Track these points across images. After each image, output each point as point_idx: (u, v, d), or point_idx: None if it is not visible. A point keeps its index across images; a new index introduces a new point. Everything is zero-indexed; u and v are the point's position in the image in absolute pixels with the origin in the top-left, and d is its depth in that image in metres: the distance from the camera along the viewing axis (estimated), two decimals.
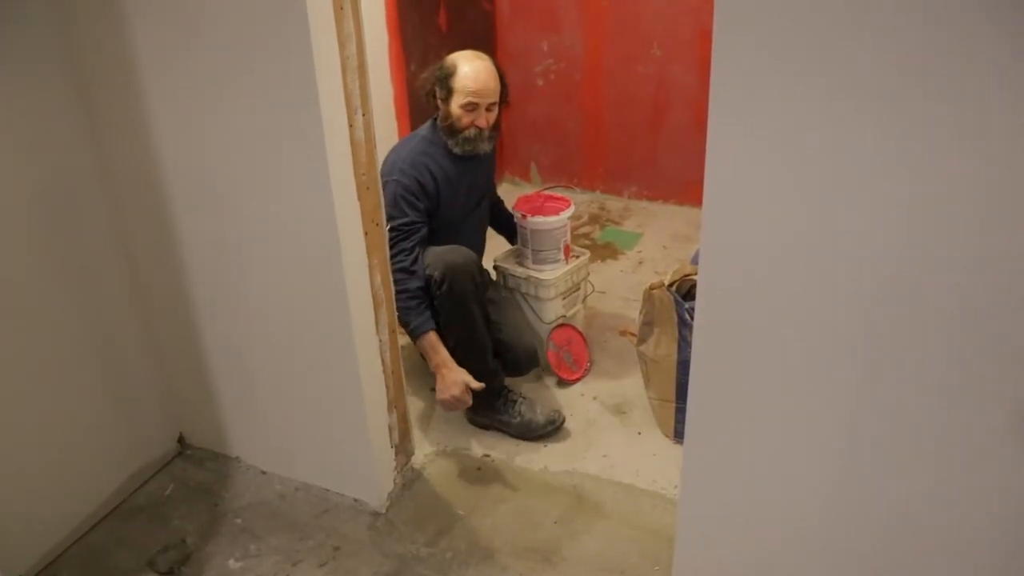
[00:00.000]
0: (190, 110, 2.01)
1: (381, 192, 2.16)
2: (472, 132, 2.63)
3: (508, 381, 2.75)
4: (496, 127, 2.73)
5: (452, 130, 2.63)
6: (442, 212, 2.70)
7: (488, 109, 2.63)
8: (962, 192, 1.33)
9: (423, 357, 2.70)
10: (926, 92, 1.29)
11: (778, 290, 1.55)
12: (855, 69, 1.32)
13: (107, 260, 2.26)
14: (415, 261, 2.55)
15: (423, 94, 2.71)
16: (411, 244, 2.56)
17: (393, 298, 2.29)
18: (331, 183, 1.91)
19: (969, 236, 1.35)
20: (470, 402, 2.56)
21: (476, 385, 2.54)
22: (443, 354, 2.57)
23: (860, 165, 1.38)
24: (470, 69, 2.58)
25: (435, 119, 2.72)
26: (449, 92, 2.61)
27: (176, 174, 2.12)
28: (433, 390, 2.88)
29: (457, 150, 2.66)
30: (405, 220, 2.56)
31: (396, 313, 2.62)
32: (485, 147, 2.69)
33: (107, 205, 2.22)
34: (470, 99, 2.57)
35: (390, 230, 2.54)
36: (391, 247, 2.53)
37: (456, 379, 2.52)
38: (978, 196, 1.32)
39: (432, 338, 2.56)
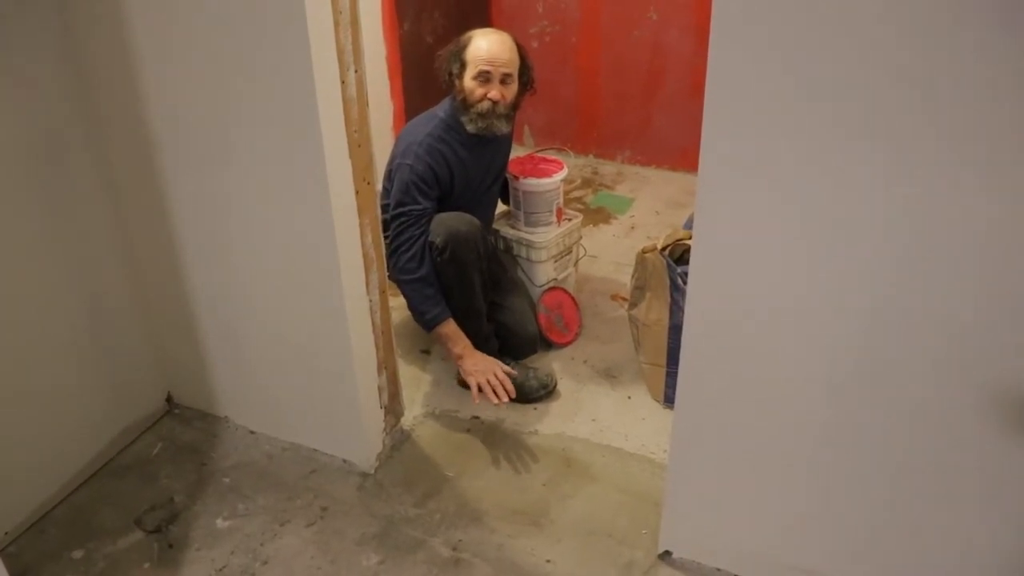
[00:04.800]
0: (179, 64, 1.97)
1: (382, 167, 2.12)
2: (485, 106, 2.53)
3: None
4: (514, 107, 2.63)
5: (466, 105, 2.55)
6: (454, 196, 2.65)
7: (503, 82, 2.54)
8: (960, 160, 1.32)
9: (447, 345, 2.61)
10: (923, 62, 1.27)
11: (772, 256, 1.54)
12: (857, 37, 1.30)
13: (95, 217, 2.23)
14: (423, 248, 2.50)
15: (442, 75, 2.62)
16: (419, 231, 2.50)
17: (384, 260, 2.27)
18: (323, 140, 1.88)
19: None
20: (508, 380, 2.50)
21: (508, 370, 2.51)
22: (464, 341, 2.54)
23: (858, 130, 1.37)
24: (483, 40, 2.53)
25: (454, 98, 2.62)
26: (462, 65, 2.54)
27: (164, 129, 2.08)
28: (424, 352, 2.90)
29: (471, 127, 2.56)
30: (416, 207, 2.50)
31: (408, 302, 2.60)
32: (501, 127, 2.59)
33: (95, 160, 2.19)
34: (481, 67, 2.50)
35: (399, 215, 2.51)
36: (399, 233, 2.51)
37: (488, 361, 2.51)
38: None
39: (452, 327, 2.54)
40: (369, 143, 2.08)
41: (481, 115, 2.54)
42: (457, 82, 2.57)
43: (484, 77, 2.52)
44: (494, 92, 2.53)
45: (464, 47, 2.55)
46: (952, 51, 1.25)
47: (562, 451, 2.43)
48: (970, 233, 1.37)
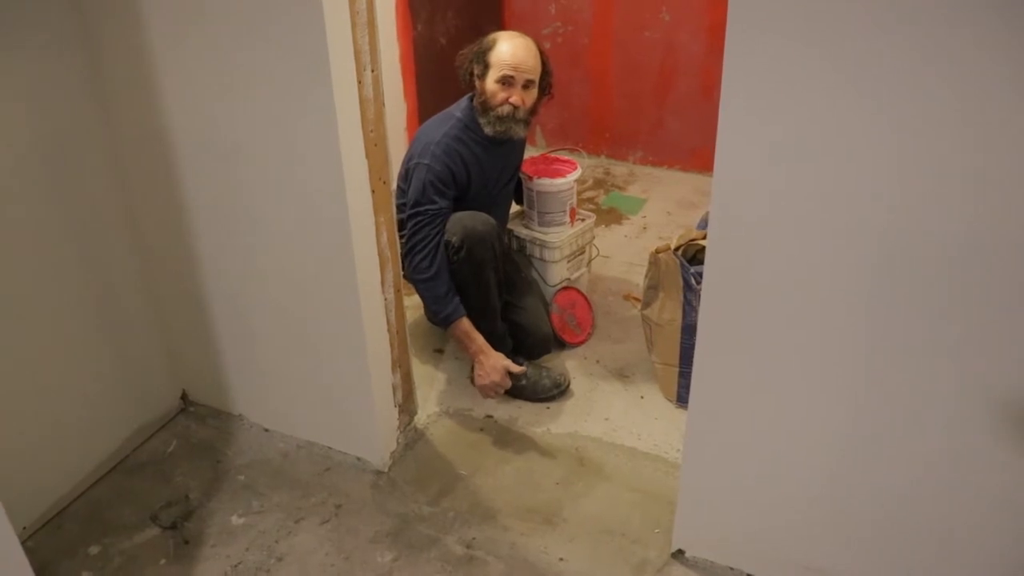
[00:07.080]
0: (197, 66, 1.98)
1: (396, 167, 2.12)
2: (506, 110, 2.53)
3: None
4: (532, 112, 2.63)
5: (485, 107, 2.55)
6: (470, 196, 2.66)
7: (525, 88, 2.55)
8: (963, 160, 1.32)
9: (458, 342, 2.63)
10: (937, 63, 1.28)
11: (786, 257, 1.55)
12: (869, 37, 1.31)
13: (110, 216, 2.25)
14: (438, 247, 2.51)
15: (461, 73, 2.63)
16: (435, 231, 2.51)
17: (399, 259, 2.27)
18: (339, 140, 1.89)
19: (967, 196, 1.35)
20: (509, 386, 2.55)
21: (516, 369, 2.54)
22: (479, 340, 2.55)
23: (869, 131, 1.37)
24: (508, 45, 2.53)
25: (471, 98, 2.63)
26: (486, 67, 2.55)
27: (181, 130, 2.10)
28: (438, 351, 2.91)
29: (489, 130, 2.57)
30: (433, 207, 2.51)
31: (424, 302, 2.60)
32: (519, 131, 2.61)
33: (110, 160, 2.21)
34: (505, 72, 2.50)
35: (415, 214, 2.52)
36: (415, 232, 2.52)
37: (495, 364, 2.52)
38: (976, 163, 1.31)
39: (466, 325, 2.54)
40: (385, 142, 2.10)
41: (501, 118, 2.55)
42: (478, 83, 2.57)
43: (507, 81, 2.52)
44: (515, 97, 2.53)
45: (488, 49, 2.55)
46: (961, 38, 1.26)
47: (575, 450, 2.44)
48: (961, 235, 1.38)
